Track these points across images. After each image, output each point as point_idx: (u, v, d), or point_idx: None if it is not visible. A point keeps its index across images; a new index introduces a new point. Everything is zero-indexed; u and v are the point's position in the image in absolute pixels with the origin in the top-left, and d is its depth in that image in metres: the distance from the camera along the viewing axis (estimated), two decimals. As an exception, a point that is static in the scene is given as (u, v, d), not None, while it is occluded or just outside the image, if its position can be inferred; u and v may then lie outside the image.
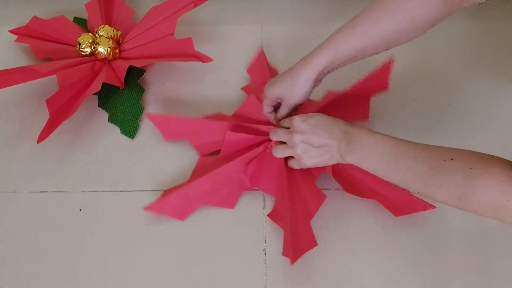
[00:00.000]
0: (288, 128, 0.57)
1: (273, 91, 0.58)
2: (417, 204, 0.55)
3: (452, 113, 0.67)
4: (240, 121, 0.64)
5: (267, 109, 0.60)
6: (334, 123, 0.53)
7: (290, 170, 0.59)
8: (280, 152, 0.57)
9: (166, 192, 0.59)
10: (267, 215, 0.58)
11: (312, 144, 0.54)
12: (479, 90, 0.70)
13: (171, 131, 0.63)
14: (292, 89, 0.57)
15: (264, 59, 0.72)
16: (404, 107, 0.68)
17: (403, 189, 0.55)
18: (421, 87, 0.70)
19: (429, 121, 0.66)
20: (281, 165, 0.59)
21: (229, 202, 0.59)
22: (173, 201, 0.58)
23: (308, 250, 0.54)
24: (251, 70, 0.72)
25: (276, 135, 0.58)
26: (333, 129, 0.53)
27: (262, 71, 0.70)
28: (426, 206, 0.55)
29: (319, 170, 0.59)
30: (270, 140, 0.61)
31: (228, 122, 0.63)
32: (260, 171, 0.60)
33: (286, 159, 0.59)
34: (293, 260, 0.52)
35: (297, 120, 0.55)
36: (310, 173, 0.60)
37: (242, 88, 0.70)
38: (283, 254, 0.54)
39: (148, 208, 0.57)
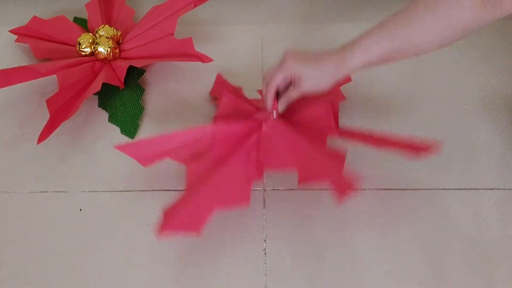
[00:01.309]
0: None
1: (297, 68, 0.55)
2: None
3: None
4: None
5: (278, 80, 0.56)
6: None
7: (297, 141, 0.57)
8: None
9: (169, 212, 0.54)
10: (298, 185, 0.54)
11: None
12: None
13: (148, 155, 0.59)
14: (317, 81, 0.55)
15: (223, 80, 0.70)
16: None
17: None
18: (421, 86, 0.70)
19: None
20: (285, 140, 0.58)
21: (242, 199, 0.55)
22: (185, 217, 0.54)
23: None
24: (214, 92, 0.69)
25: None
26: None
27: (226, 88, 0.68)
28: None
29: (327, 132, 0.59)
30: (260, 128, 0.59)
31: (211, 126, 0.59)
32: (265, 155, 0.57)
33: (290, 133, 0.58)
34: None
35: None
36: (320, 138, 0.58)
37: (211, 92, 0.68)
38: (340, 196, 0.52)
39: (161, 232, 0.52)
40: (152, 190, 0.61)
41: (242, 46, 0.76)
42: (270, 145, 0.58)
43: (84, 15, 0.77)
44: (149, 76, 0.72)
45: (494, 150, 0.63)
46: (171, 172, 0.62)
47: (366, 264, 0.55)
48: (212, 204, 0.54)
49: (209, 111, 0.68)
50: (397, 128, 0.65)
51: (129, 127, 0.66)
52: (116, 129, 0.67)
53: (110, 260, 0.56)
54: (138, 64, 0.69)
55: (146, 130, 0.67)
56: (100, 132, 0.66)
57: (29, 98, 0.69)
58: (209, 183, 0.55)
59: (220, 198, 0.55)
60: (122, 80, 0.69)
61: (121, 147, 0.59)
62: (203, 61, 0.68)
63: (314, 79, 0.55)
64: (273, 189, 0.61)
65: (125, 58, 0.71)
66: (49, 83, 0.69)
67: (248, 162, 0.57)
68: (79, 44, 0.70)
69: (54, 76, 0.66)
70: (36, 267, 0.55)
